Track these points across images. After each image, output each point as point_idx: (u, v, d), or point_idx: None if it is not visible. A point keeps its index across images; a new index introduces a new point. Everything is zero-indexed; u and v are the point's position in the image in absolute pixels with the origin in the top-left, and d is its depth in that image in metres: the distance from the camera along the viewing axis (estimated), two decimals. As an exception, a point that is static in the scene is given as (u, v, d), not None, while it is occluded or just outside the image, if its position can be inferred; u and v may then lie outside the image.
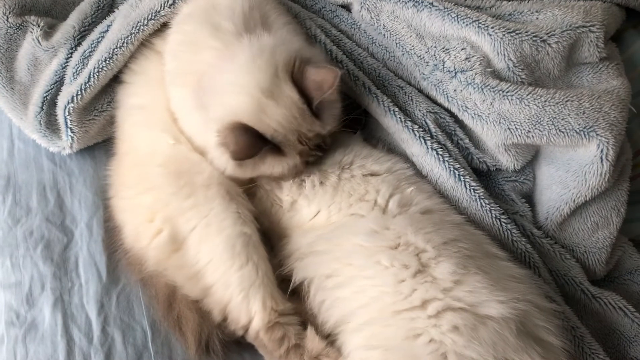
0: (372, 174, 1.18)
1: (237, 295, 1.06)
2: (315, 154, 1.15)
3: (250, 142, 1.05)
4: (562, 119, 1.12)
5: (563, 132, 1.12)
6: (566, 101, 1.13)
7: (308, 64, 1.08)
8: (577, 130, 1.12)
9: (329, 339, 1.06)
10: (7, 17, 1.40)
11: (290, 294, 1.12)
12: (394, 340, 0.95)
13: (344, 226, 1.11)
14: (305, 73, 1.07)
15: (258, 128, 1.06)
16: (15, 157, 1.35)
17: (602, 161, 1.12)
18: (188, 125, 1.18)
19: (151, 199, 1.14)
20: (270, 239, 1.21)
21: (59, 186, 1.31)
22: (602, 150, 1.11)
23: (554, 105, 1.13)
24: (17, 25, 1.40)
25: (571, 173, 1.17)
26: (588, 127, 1.11)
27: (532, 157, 1.25)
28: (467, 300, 0.93)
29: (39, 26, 1.40)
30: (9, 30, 1.40)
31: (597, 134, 1.11)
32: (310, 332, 1.06)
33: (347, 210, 1.14)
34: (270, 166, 1.11)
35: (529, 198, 1.29)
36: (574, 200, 1.18)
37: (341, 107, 1.15)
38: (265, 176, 1.16)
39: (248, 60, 1.07)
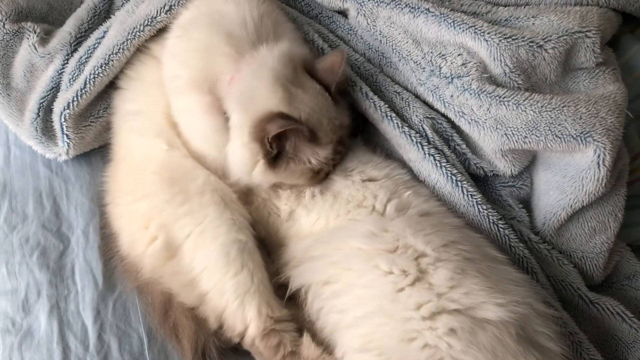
0: (371, 180, 1.18)
1: (233, 303, 1.06)
2: (341, 152, 1.18)
3: (289, 122, 1.06)
4: (559, 125, 1.12)
5: (560, 138, 1.12)
6: (563, 107, 1.13)
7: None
8: (574, 136, 1.11)
9: (325, 345, 1.05)
10: (4, 24, 1.40)
11: (287, 300, 1.11)
12: (389, 341, 0.94)
13: (341, 229, 1.11)
14: (315, 66, 1.14)
15: (293, 114, 1.08)
16: (12, 163, 1.35)
17: (599, 166, 1.12)
18: (193, 131, 1.18)
19: (146, 206, 1.14)
20: (267, 246, 1.21)
21: (55, 193, 1.31)
22: (599, 156, 1.11)
23: (550, 111, 1.13)
24: (14, 31, 1.40)
25: (568, 178, 1.17)
26: (585, 132, 1.11)
27: (529, 162, 1.25)
28: (462, 302, 0.93)
29: (35, 32, 1.40)
30: (5, 37, 1.40)
31: (594, 140, 1.11)
32: (306, 339, 1.06)
33: (345, 217, 1.14)
34: (304, 159, 1.12)
35: (527, 203, 1.29)
36: (571, 206, 1.17)
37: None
38: (293, 179, 1.15)
39: (272, 60, 1.10)
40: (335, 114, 1.13)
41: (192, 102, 1.17)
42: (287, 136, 1.08)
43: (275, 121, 1.05)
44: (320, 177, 1.16)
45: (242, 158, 1.10)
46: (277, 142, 1.07)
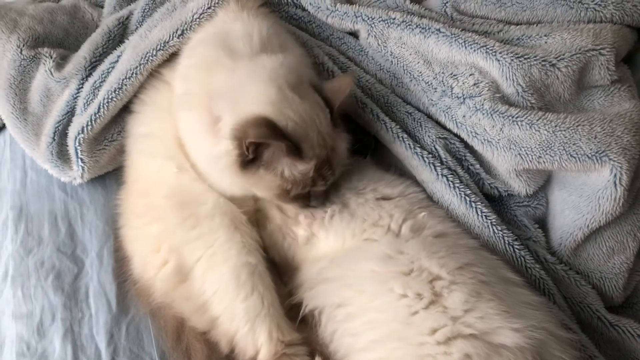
0: (385, 198, 1.17)
1: (243, 327, 1.05)
2: (325, 177, 1.09)
3: (271, 131, 1.00)
4: (574, 144, 1.11)
5: (575, 157, 1.11)
6: (577, 126, 1.11)
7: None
8: (589, 155, 1.10)
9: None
10: (21, 50, 1.43)
11: (301, 323, 1.10)
12: None
13: (356, 251, 1.10)
14: (323, 85, 1.09)
15: (280, 121, 1.01)
16: (28, 187, 1.37)
17: (615, 186, 1.10)
18: (195, 149, 1.18)
19: (157, 229, 1.14)
20: (279, 268, 1.20)
21: (70, 216, 1.32)
22: (615, 175, 1.10)
23: (564, 130, 1.11)
24: (31, 57, 1.43)
25: (584, 198, 1.15)
26: (600, 151, 1.10)
27: (544, 182, 1.24)
28: (477, 327, 0.91)
29: (51, 58, 1.43)
30: (22, 62, 1.42)
31: (610, 159, 1.09)
32: (318, 362, 1.04)
33: (360, 236, 1.13)
34: (278, 169, 1.04)
35: (542, 223, 1.27)
36: (588, 226, 1.16)
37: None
38: (259, 188, 1.10)
39: (271, 64, 1.07)
40: (328, 132, 1.07)
41: (192, 120, 1.15)
42: (267, 145, 1.02)
43: (258, 128, 0.99)
44: (289, 196, 1.09)
45: (217, 154, 1.05)
46: (254, 148, 1.01)
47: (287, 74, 1.05)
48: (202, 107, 1.11)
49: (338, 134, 1.10)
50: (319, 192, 1.11)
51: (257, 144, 1.01)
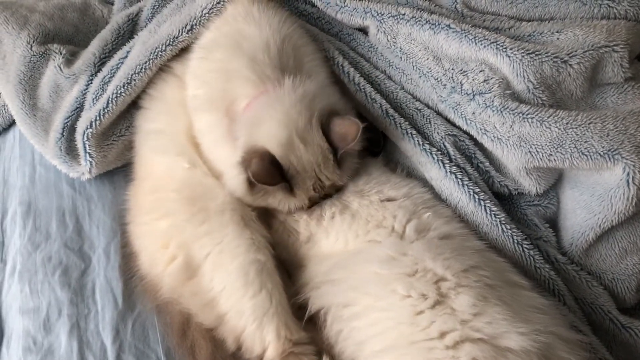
0: (389, 200, 1.16)
1: (251, 324, 1.04)
2: (320, 200, 1.17)
3: (272, 171, 1.08)
4: (585, 142, 1.09)
5: (586, 156, 1.09)
6: (589, 123, 1.10)
7: (336, 114, 1.13)
8: (601, 154, 1.08)
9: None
10: (31, 46, 1.44)
11: (307, 322, 1.09)
12: None
13: (360, 253, 1.09)
14: (331, 124, 1.11)
15: (283, 163, 1.09)
16: (37, 183, 1.37)
17: (628, 185, 1.08)
18: (212, 149, 1.19)
19: (166, 225, 1.14)
20: (287, 267, 1.19)
21: (78, 212, 1.32)
22: (628, 174, 1.07)
23: (576, 128, 1.10)
24: (41, 53, 1.44)
25: (596, 197, 1.13)
26: (612, 149, 1.08)
27: (555, 180, 1.22)
28: (486, 331, 0.90)
29: (61, 54, 1.43)
30: (32, 59, 1.43)
31: (623, 157, 1.07)
32: (325, 362, 1.03)
33: (364, 237, 1.12)
34: (277, 201, 1.13)
35: (553, 223, 1.25)
36: (600, 226, 1.13)
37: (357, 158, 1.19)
38: (269, 204, 1.16)
39: (291, 103, 1.10)
40: (329, 175, 1.13)
41: (210, 122, 1.17)
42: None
43: (261, 163, 1.06)
44: (298, 210, 1.16)
45: (232, 173, 1.12)
46: (257, 175, 1.08)
47: (299, 118, 1.09)
48: (221, 112, 1.14)
49: (339, 174, 1.15)
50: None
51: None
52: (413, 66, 1.28)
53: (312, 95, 1.12)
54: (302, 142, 1.08)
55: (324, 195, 1.16)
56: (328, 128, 1.11)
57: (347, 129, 1.10)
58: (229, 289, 1.07)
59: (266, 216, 1.21)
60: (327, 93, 1.18)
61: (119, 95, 1.28)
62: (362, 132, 1.12)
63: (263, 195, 1.12)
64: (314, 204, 1.16)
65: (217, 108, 1.15)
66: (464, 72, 1.20)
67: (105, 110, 1.28)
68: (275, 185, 1.09)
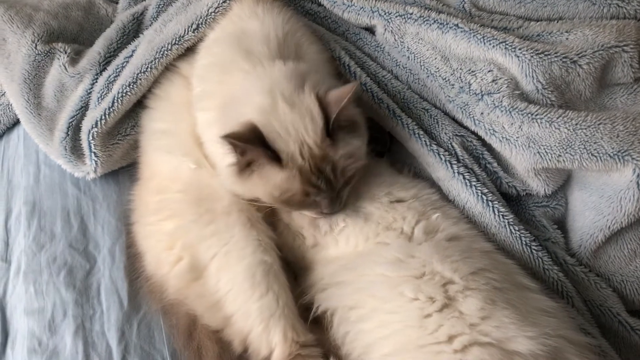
0: (399, 201, 1.15)
1: (258, 326, 1.04)
2: (319, 187, 1.04)
3: (250, 130, 1.01)
4: (595, 143, 1.08)
5: (596, 157, 1.08)
6: (599, 124, 1.09)
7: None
8: (611, 155, 1.07)
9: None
10: (36, 45, 1.43)
11: (313, 323, 1.09)
12: None
13: (368, 255, 1.09)
14: (327, 96, 1.04)
15: (262, 128, 1.02)
16: (41, 182, 1.37)
17: (638, 186, 1.08)
18: (211, 148, 1.17)
19: (172, 226, 1.13)
20: (293, 267, 1.19)
21: (83, 212, 1.32)
22: (638, 175, 1.07)
23: (585, 129, 1.09)
24: (45, 52, 1.43)
25: (605, 199, 1.13)
26: (622, 151, 1.07)
27: (563, 181, 1.21)
28: (494, 335, 0.89)
29: (66, 53, 1.43)
30: (37, 58, 1.42)
31: (633, 158, 1.07)
32: (332, 364, 1.03)
33: (374, 240, 1.11)
34: (267, 178, 1.04)
35: (561, 224, 1.24)
36: (609, 227, 1.13)
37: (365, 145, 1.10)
38: (258, 193, 1.08)
39: (276, 73, 1.07)
40: (315, 142, 1.03)
41: (208, 120, 1.15)
42: (251, 152, 1.03)
43: (242, 132, 1.00)
44: (291, 204, 1.08)
45: (220, 159, 1.08)
46: (241, 151, 1.02)
47: (287, 84, 1.04)
48: (217, 109, 1.11)
49: (333, 147, 1.04)
50: (325, 200, 1.07)
51: (242, 149, 1.01)
52: (420, 66, 1.27)
53: (305, 71, 1.09)
54: (289, 104, 1.03)
55: (319, 172, 1.04)
56: (324, 97, 1.04)
57: (341, 91, 1.03)
58: (236, 290, 1.06)
59: (271, 217, 1.19)
60: (326, 79, 1.13)
61: (124, 95, 1.27)
62: (368, 128, 1.10)
63: (251, 177, 1.05)
64: (310, 186, 1.04)
65: (213, 104, 1.13)
66: (472, 72, 1.20)
67: (111, 109, 1.27)
68: (254, 146, 1.00)
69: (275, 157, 1.02)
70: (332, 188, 1.06)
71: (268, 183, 1.04)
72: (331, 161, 1.04)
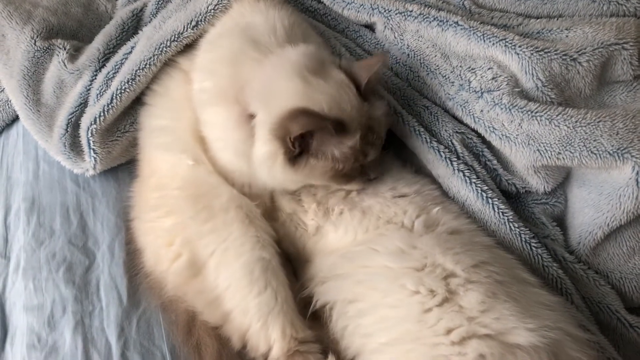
0: (402, 196, 1.16)
1: (256, 323, 1.04)
2: (374, 144, 1.09)
3: (312, 118, 1.02)
4: (594, 140, 1.09)
5: (595, 154, 1.08)
6: (598, 121, 1.09)
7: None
8: (611, 152, 1.07)
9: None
10: (35, 41, 1.43)
11: (312, 319, 1.09)
12: None
13: (369, 244, 1.09)
14: (352, 64, 1.09)
15: (313, 106, 1.03)
16: (40, 179, 1.36)
17: (637, 184, 1.07)
18: (222, 144, 1.16)
19: (171, 223, 1.13)
20: (292, 262, 1.19)
21: (82, 208, 1.31)
22: (637, 173, 1.07)
23: (585, 126, 1.09)
24: (44, 48, 1.43)
25: (605, 196, 1.13)
26: (622, 148, 1.07)
27: (563, 179, 1.21)
28: (493, 327, 0.89)
29: (65, 49, 1.42)
30: (36, 54, 1.42)
31: (632, 156, 1.07)
32: (331, 360, 1.03)
33: (373, 232, 1.11)
34: (328, 153, 1.06)
35: (561, 221, 1.24)
36: (608, 225, 1.13)
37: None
38: (314, 177, 1.10)
39: (295, 55, 1.08)
40: (359, 105, 1.07)
41: (221, 114, 1.14)
42: (312, 133, 1.04)
43: (299, 120, 1.00)
44: (347, 175, 1.10)
45: (263, 157, 1.06)
46: (300, 140, 1.03)
47: (308, 61, 1.06)
48: (230, 102, 1.11)
49: (370, 105, 1.09)
50: (373, 162, 1.12)
51: (302, 136, 1.02)
52: (420, 63, 1.28)
53: (316, 50, 1.11)
54: (320, 77, 1.05)
55: (372, 133, 1.09)
56: (349, 67, 1.09)
57: (371, 60, 1.10)
58: (234, 287, 1.06)
59: (272, 210, 1.21)
60: (334, 57, 1.17)
61: (123, 91, 1.27)
62: None
63: (308, 163, 1.06)
64: (370, 149, 1.09)
65: (226, 98, 1.12)
66: (472, 69, 1.20)
67: (110, 106, 1.27)
68: (323, 124, 1.01)
69: (339, 125, 1.04)
70: (379, 147, 1.12)
71: (333, 159, 1.06)
72: (375, 119, 1.09)
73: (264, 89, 1.07)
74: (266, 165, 1.07)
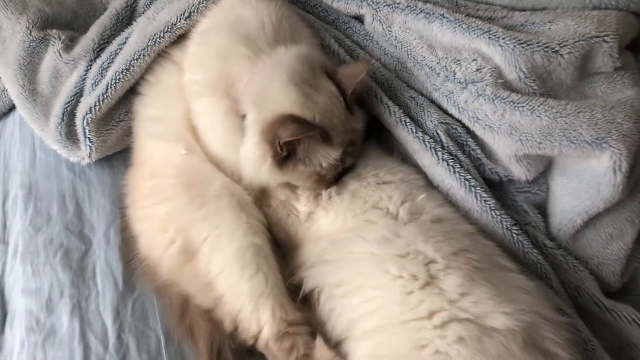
0: (385, 182, 1.19)
1: (247, 305, 1.07)
2: (353, 154, 1.17)
3: (301, 125, 1.07)
4: (574, 130, 1.11)
5: (575, 144, 1.11)
6: (578, 112, 1.12)
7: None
8: (589, 142, 1.10)
9: (338, 349, 1.06)
10: (30, 31, 1.45)
11: (302, 303, 1.12)
12: (400, 349, 0.95)
13: (356, 230, 1.12)
14: (337, 71, 1.14)
15: (305, 115, 1.08)
16: (37, 166, 1.39)
17: (614, 173, 1.10)
18: (211, 135, 1.20)
19: (165, 210, 1.16)
20: (282, 248, 1.22)
21: (78, 195, 1.34)
22: (614, 162, 1.10)
23: (565, 117, 1.12)
24: (40, 38, 1.45)
25: (584, 184, 1.16)
26: (600, 138, 1.10)
27: (544, 168, 1.24)
28: (472, 311, 0.93)
29: (60, 39, 1.45)
30: (32, 44, 1.44)
31: (610, 145, 1.10)
32: (319, 342, 1.06)
33: (362, 216, 1.15)
34: (314, 161, 1.12)
35: (542, 209, 1.28)
36: (587, 212, 1.16)
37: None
38: (299, 180, 1.17)
39: (288, 59, 1.11)
40: (345, 118, 1.13)
41: (210, 106, 1.18)
42: (299, 140, 1.08)
43: (288, 126, 1.06)
44: (327, 180, 1.17)
45: (252, 157, 1.11)
46: (288, 145, 1.08)
47: (302, 69, 1.10)
48: (219, 95, 1.15)
49: (353, 117, 1.15)
50: (349, 167, 1.18)
51: (290, 142, 1.07)
52: (408, 55, 1.30)
53: (307, 52, 1.14)
54: (313, 87, 1.10)
55: (350, 144, 1.15)
56: (335, 74, 1.14)
57: (354, 67, 1.15)
58: (226, 271, 1.10)
59: (263, 197, 1.24)
60: (319, 54, 1.21)
61: (117, 81, 1.30)
62: None
63: (296, 167, 1.12)
64: (347, 156, 1.15)
65: (216, 90, 1.16)
66: (457, 61, 1.22)
67: (104, 95, 1.30)
68: (311, 132, 1.07)
69: (325, 136, 1.10)
70: (357, 155, 1.20)
71: (317, 165, 1.12)
72: (356, 132, 1.17)
73: (257, 91, 1.11)
74: (253, 164, 1.11)
